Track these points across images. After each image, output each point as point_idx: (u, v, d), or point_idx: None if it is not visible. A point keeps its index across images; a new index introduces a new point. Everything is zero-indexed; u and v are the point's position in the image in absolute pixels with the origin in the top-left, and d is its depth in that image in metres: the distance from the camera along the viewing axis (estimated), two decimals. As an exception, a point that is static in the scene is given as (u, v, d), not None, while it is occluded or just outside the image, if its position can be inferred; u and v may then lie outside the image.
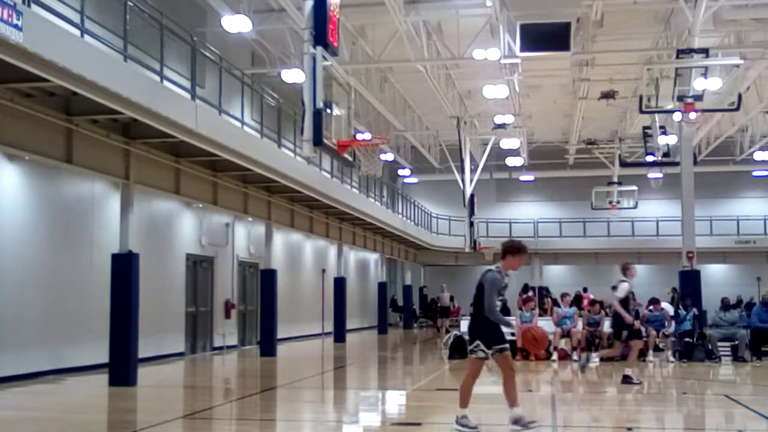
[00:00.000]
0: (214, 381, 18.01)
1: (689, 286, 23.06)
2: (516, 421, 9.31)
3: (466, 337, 20.62)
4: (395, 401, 14.02)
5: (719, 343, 19.88)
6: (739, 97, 21.31)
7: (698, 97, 19.59)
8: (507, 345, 9.44)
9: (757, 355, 19.58)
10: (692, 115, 22.32)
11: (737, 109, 21.94)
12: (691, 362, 19.19)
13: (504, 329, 9.55)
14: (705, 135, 34.07)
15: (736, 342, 19.78)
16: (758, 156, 36.77)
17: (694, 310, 20.62)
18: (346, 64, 20.65)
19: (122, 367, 14.51)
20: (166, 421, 10.75)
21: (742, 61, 21.91)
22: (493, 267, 9.48)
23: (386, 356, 25.18)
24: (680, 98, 19.50)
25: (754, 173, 41.27)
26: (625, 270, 15.12)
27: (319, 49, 12.08)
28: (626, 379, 14.59)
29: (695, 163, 26.60)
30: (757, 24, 21.32)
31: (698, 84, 19.34)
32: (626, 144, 34.11)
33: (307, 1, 12.35)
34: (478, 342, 9.29)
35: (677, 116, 22.83)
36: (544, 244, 42.42)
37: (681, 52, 19.54)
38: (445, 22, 22.59)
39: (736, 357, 19.56)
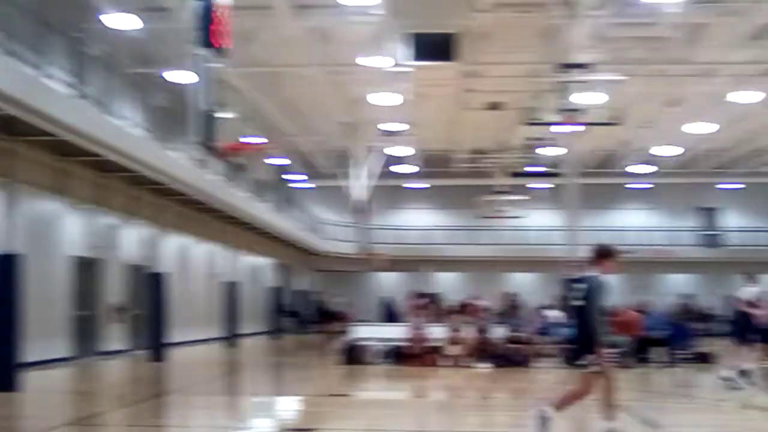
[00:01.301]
0: (101, 386, 17.65)
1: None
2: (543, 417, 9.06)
3: (366, 344, 20.94)
4: (288, 407, 14.06)
5: (606, 350, 20.46)
6: (619, 112, 22.20)
7: (580, 111, 20.34)
8: None
9: (641, 362, 20.29)
10: (575, 128, 23.18)
11: (618, 123, 22.85)
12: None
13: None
14: (588, 147, 35.22)
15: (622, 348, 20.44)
16: (636, 169, 38.18)
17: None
18: (237, 66, 20.61)
19: (4, 372, 14.13)
20: (51, 428, 10.56)
21: (622, 78, 22.84)
22: (594, 273, 9.23)
23: (278, 361, 25.13)
24: (563, 111, 20.20)
25: (633, 185, 42.84)
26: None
27: (206, 50, 12.11)
28: None
29: (579, 174, 27.48)
30: (634, 41, 22.28)
31: (580, 98, 20.07)
32: (513, 154, 34.97)
33: (193, 2, 12.38)
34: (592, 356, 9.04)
35: (561, 129, 23.66)
36: (434, 252, 43.08)
37: (564, 67, 20.25)
38: (335, 28, 22.75)
39: (621, 363, 20.18)
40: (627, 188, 43.11)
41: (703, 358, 22.16)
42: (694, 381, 18.86)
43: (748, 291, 16.71)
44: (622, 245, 40.40)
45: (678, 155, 35.53)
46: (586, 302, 9.05)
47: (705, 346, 23.96)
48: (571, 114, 20.42)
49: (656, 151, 34.29)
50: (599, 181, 39.78)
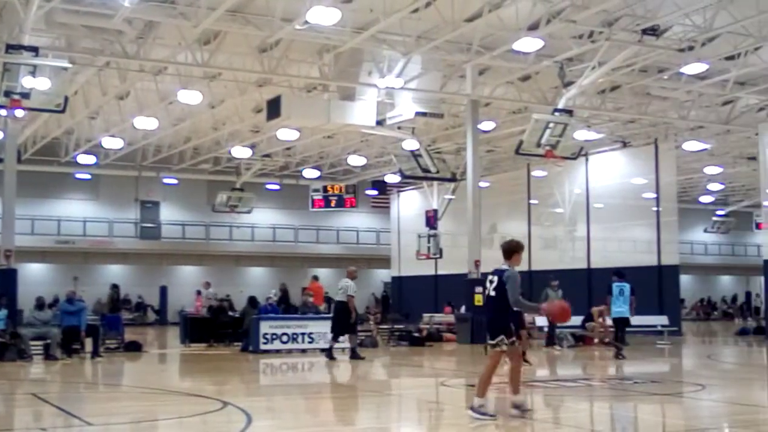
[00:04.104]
0: None
1: (4, 286, 22.73)
2: (518, 407, 10.19)
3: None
4: None
5: (32, 342, 19.97)
6: (66, 99, 21.74)
7: (26, 95, 19.51)
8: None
9: (68, 353, 20.13)
10: (18, 113, 22.17)
11: (63, 111, 22.35)
12: (2, 362, 18.93)
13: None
14: (31, 134, 33.96)
15: (49, 340, 20.06)
16: (81, 159, 37.75)
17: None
18: None
19: None
20: None
21: (70, 65, 22.39)
22: (505, 266, 10.07)
23: None
24: (7, 94, 19.23)
25: (77, 175, 42.22)
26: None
27: None
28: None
29: (19, 161, 26.31)
30: (87, 31, 22.06)
31: (27, 82, 19.27)
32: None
33: None
34: (502, 336, 9.92)
35: (3, 112, 22.46)
36: None
37: (11, 48, 19.31)
38: None
39: (48, 355, 19.84)
40: (71, 177, 42.25)
41: (134, 347, 22.78)
42: (122, 369, 19.28)
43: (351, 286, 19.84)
44: (62, 236, 40.24)
45: (123, 148, 35.89)
46: (498, 292, 9.98)
47: (136, 334, 24.77)
48: (15, 97, 19.46)
49: (102, 142, 34.24)
50: (42, 169, 38.61)
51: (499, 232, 37.93)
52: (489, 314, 10.35)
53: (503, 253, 10.25)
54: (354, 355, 19.88)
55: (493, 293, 10.10)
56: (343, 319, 19.90)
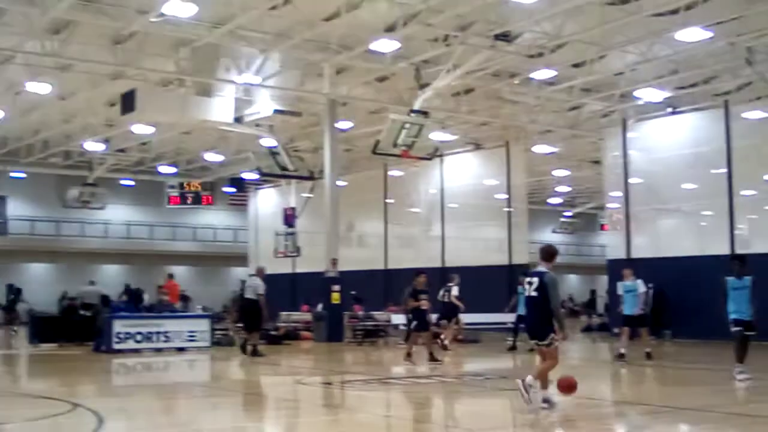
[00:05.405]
0: None
1: None
2: (546, 401, 10.73)
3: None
4: None
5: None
6: None
7: None
8: None
9: None
10: None
11: None
12: None
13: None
14: None
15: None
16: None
17: None
18: None
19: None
20: None
21: None
22: (544, 269, 10.77)
23: None
24: None
25: None
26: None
27: None
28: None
29: None
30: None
31: None
32: None
33: None
34: (552, 335, 10.60)
35: None
36: None
37: None
38: None
39: None
40: None
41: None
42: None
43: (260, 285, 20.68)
44: None
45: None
46: (539, 293, 10.56)
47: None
48: None
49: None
50: None
51: (357, 230, 38.28)
52: (532, 314, 10.95)
53: (542, 255, 11.05)
54: (255, 353, 20.17)
55: (534, 293, 10.71)
56: (253, 316, 20.57)
